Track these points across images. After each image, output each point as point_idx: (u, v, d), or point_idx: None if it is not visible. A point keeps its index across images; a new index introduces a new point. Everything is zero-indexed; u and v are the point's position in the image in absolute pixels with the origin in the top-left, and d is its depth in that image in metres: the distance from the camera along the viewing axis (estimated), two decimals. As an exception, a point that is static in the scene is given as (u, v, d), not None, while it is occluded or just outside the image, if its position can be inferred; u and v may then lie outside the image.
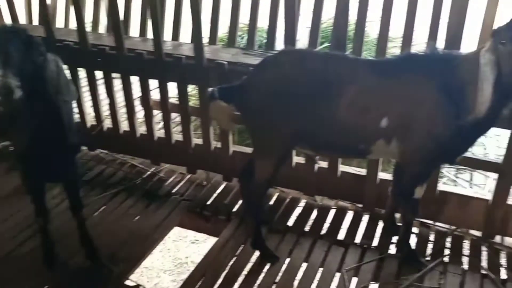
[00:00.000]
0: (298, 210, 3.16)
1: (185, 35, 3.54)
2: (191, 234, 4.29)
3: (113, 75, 3.45)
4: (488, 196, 2.81)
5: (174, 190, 3.35)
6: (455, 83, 2.12)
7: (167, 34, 3.54)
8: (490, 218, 2.76)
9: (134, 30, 3.67)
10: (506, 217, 2.73)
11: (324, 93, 2.26)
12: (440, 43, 2.51)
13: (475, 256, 2.68)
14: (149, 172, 3.55)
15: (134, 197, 3.27)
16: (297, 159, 3.17)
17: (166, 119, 3.34)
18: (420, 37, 2.65)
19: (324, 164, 3.11)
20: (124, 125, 3.59)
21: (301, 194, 3.27)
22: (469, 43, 2.54)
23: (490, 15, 2.50)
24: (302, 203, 3.22)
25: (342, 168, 3.10)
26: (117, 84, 3.47)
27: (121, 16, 3.31)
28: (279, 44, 3.13)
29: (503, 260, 2.68)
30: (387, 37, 2.69)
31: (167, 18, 3.51)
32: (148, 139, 3.48)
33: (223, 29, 4.02)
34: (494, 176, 2.81)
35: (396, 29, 2.73)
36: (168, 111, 3.32)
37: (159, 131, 3.57)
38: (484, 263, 2.65)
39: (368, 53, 4.06)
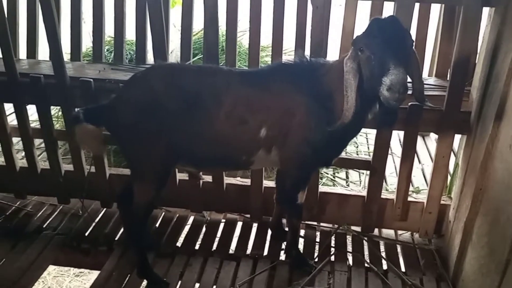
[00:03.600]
0: (186, 229, 3.04)
1: (45, 52, 3.22)
2: (74, 266, 3.92)
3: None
4: (363, 192, 2.98)
5: (45, 225, 3.00)
6: (324, 90, 2.18)
7: (22, 52, 3.19)
8: (367, 213, 2.93)
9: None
10: (381, 210, 2.93)
11: (199, 107, 2.18)
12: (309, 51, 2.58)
13: (358, 251, 2.82)
14: (13, 208, 3.13)
15: (-4, 238, 2.85)
16: (180, 176, 3.05)
17: (28, 146, 2.97)
18: (292, 44, 2.73)
19: (208, 178, 3.04)
20: (-23, 157, 3.14)
21: (188, 211, 3.16)
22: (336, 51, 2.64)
23: (349, 22, 2.64)
24: (190, 220, 3.11)
25: (227, 180, 3.06)
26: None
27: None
28: (152, 57, 2.98)
29: (382, 252, 2.86)
30: (258, 47, 2.71)
31: (21, 34, 3.16)
32: (9, 171, 3.07)
33: (88, 43, 3.75)
34: (367, 172, 2.97)
35: (269, 38, 2.75)
36: (30, 137, 2.95)
37: (21, 160, 3.18)
38: (366, 256, 2.79)
39: (242, 63, 4.09)
